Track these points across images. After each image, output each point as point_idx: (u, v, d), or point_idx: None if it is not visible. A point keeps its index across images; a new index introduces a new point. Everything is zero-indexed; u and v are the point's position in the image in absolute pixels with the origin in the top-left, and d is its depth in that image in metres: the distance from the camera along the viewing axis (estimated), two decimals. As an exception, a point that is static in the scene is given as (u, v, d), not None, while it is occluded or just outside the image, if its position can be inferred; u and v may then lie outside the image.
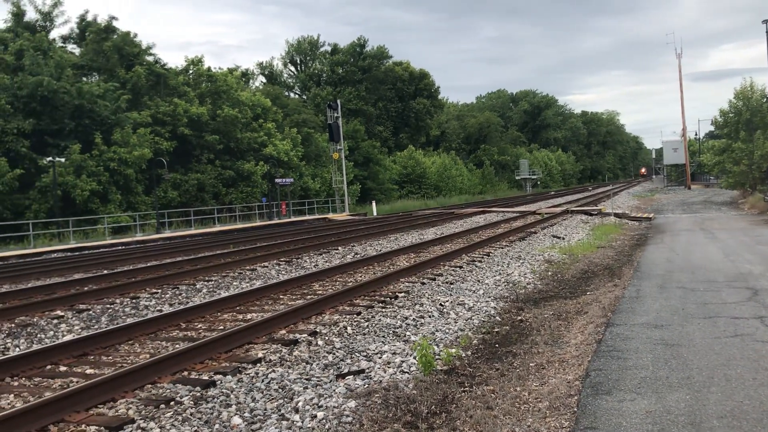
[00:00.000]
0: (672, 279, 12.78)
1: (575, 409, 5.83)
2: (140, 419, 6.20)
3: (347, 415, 6.10)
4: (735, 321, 8.83)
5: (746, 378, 6.38)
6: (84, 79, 43.75)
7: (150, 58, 47.82)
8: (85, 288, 14.68)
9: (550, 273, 15.06)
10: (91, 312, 12.06)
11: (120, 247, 28.21)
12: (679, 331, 8.42)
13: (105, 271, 17.93)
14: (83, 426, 6.07)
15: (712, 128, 64.40)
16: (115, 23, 46.11)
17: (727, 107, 43.41)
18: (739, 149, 40.90)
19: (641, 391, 6.18)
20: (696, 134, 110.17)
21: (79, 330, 10.71)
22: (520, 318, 10.34)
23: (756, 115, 41.10)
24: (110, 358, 8.70)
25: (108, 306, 12.56)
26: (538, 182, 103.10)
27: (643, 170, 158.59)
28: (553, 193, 79.94)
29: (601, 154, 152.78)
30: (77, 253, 25.87)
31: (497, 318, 10.50)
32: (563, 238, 22.43)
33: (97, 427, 6.02)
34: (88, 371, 8.05)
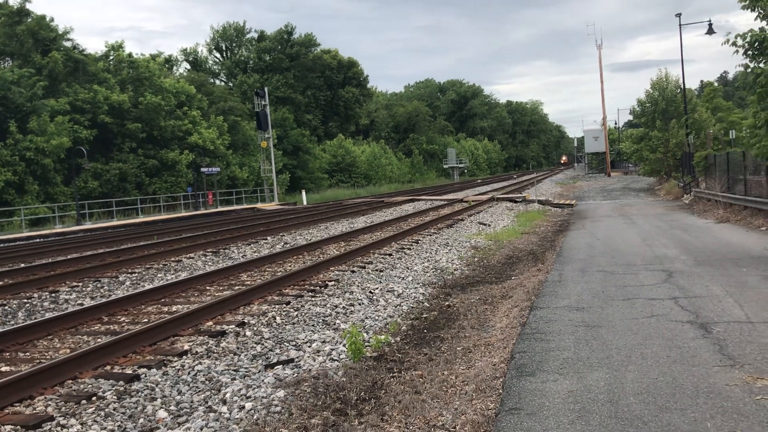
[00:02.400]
0: (593, 263, 13.22)
1: (500, 391, 5.97)
2: (60, 416, 6.00)
3: (276, 405, 6.06)
4: (651, 302, 9.21)
5: (661, 356, 6.67)
6: (-5, 64, 41.75)
7: (68, 44, 46.04)
8: (0, 282, 14.04)
9: (476, 259, 15.33)
10: (6, 307, 11.56)
11: (38, 240, 27.12)
12: (600, 313, 8.72)
13: (22, 265, 17.19)
14: (-2, 425, 5.83)
15: (630, 117, 66.76)
16: (29, 6, 44.11)
17: (644, 97, 45.08)
18: (656, 137, 42.60)
19: (563, 372, 6.38)
20: (616, 123, 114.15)
21: (-6, 326, 10.25)
22: (447, 303, 10.50)
23: (671, 105, 42.85)
24: (27, 354, 8.37)
25: (25, 300, 12.07)
26: (465, 171, 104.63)
27: (564, 158, 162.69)
28: (479, 181, 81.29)
29: (525, 142, 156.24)
30: (-9, 247, 24.71)
31: (426, 304, 10.63)
32: (489, 225, 22.87)
33: (12, 426, 5.79)
34: (4, 369, 7.72)
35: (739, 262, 12.24)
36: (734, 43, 16.14)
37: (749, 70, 16.55)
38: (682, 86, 41.24)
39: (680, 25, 36.39)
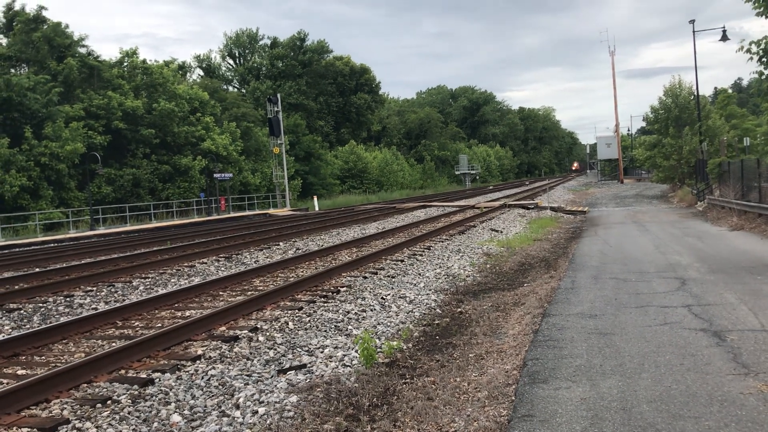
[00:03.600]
0: (605, 270, 13.17)
1: (513, 398, 5.97)
2: (75, 419, 6.06)
3: (289, 410, 6.09)
4: (664, 310, 9.17)
5: (674, 364, 6.65)
6: (12, 71, 42.15)
7: (83, 50, 46.43)
8: (16, 287, 14.17)
9: (488, 266, 15.31)
10: (22, 311, 11.66)
11: (52, 245, 27.33)
12: (612, 321, 8.70)
13: (37, 269, 17.35)
14: (14, 428, 5.89)
15: (643, 124, 66.47)
16: (44, 13, 44.57)
17: (658, 104, 44.87)
18: (669, 144, 42.37)
19: (576, 379, 6.37)
20: (628, 130, 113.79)
21: (10, 330, 10.35)
22: (459, 310, 10.50)
23: (684, 112, 42.61)
24: (43, 358, 8.45)
25: (40, 305, 12.17)
26: (477, 177, 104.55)
27: (575, 165, 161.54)
28: (491, 187, 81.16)
29: (537, 149, 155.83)
30: (6, 251, 24.93)
31: (438, 310, 10.63)
32: (501, 232, 22.83)
33: (29, 429, 5.85)
34: (20, 372, 7.79)
35: (753, 270, 12.16)
36: (748, 50, 16.08)
37: (763, 77, 16.48)
38: (695, 93, 41.04)
39: (694, 31, 36.26)
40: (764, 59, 15.98)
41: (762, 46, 15.76)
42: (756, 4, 16.24)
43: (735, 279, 11.35)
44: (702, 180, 34.42)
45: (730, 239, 17.65)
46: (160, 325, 9.95)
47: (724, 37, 34.22)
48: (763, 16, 16.12)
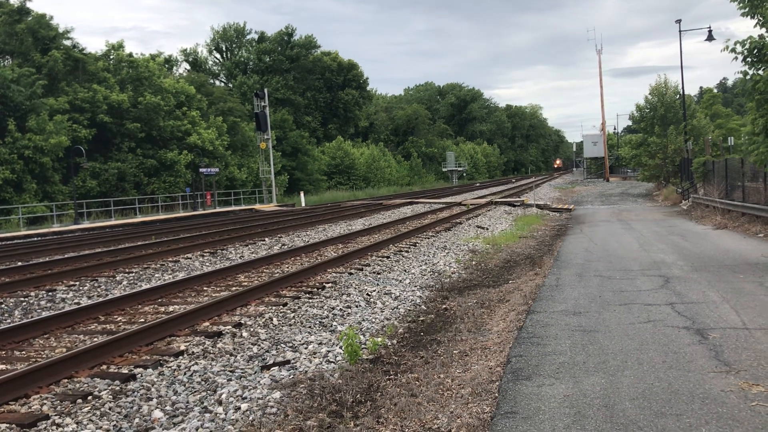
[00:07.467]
0: (590, 268, 13.22)
1: (496, 395, 5.97)
2: (55, 415, 5.99)
3: (272, 406, 6.06)
4: (648, 308, 9.22)
5: (657, 361, 6.68)
6: (-5, 62, 41.73)
7: (68, 42, 45.97)
8: (-3, 281, 14.02)
9: (474, 262, 15.33)
10: (3, 306, 11.54)
11: (36, 238, 27.09)
12: (596, 318, 8.73)
13: (19, 263, 17.17)
14: (-7, 424, 5.82)
15: (629, 123, 66.77)
16: (29, 5, 44.13)
17: (644, 103, 45.11)
18: (654, 143, 42.61)
19: (559, 376, 6.38)
20: (615, 128, 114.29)
21: (-10, 324, 10.23)
22: (444, 306, 10.50)
23: (669, 111, 42.86)
24: (23, 353, 8.36)
25: (22, 299, 12.05)
26: (464, 174, 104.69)
27: (558, 162, 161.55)
28: (478, 184, 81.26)
29: (524, 147, 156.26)
30: (-12, 245, 24.67)
31: (423, 307, 10.63)
32: (487, 229, 22.87)
33: (8, 425, 5.78)
34: (0, 367, 7.71)
35: (736, 269, 12.25)
36: (733, 50, 16.15)
37: (748, 76, 16.56)
38: (681, 92, 41.28)
39: (680, 31, 36.44)
40: (749, 59, 16.05)
41: (747, 46, 15.83)
42: (741, 5, 16.32)
43: (718, 277, 11.42)
44: (687, 179, 34.65)
45: (713, 238, 17.77)
46: (143, 320, 9.89)
47: (710, 37, 34.44)
48: (749, 17, 16.21)
